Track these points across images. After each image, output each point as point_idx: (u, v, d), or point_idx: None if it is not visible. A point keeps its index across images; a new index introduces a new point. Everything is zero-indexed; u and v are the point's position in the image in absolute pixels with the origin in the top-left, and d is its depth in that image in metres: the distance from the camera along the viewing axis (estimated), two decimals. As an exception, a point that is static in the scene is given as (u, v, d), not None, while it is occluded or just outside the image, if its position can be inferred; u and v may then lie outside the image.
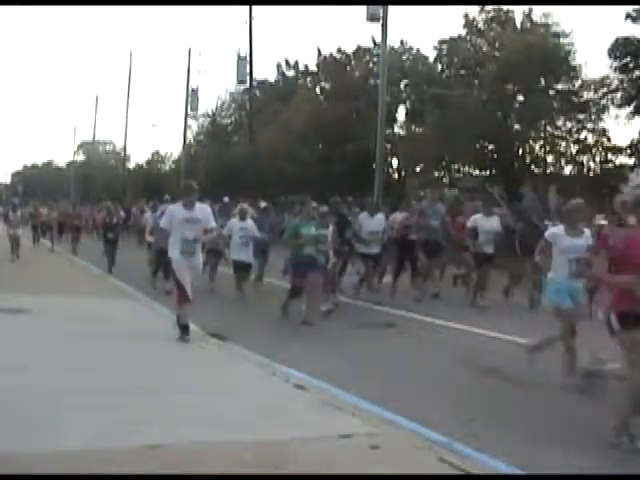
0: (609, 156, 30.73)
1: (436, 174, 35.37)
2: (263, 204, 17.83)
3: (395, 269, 15.11)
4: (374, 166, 28.26)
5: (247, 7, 35.52)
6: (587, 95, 30.59)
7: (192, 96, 45.99)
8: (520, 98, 31.72)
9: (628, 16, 25.20)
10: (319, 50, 43.16)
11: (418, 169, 36.69)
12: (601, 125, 30.68)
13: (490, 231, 13.97)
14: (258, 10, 37.08)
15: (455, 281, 16.37)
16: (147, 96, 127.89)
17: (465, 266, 15.28)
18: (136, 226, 27.90)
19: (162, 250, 13.30)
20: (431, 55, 37.06)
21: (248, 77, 36.65)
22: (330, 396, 6.61)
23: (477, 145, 32.02)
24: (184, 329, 9.30)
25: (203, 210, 9.69)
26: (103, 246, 20.02)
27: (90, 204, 43.38)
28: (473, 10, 33.74)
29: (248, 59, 35.79)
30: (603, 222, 12.74)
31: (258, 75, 43.02)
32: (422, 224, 14.77)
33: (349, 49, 42.11)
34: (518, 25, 33.20)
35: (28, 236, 27.72)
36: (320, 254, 11.75)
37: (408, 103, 38.60)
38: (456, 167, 35.28)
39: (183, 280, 9.41)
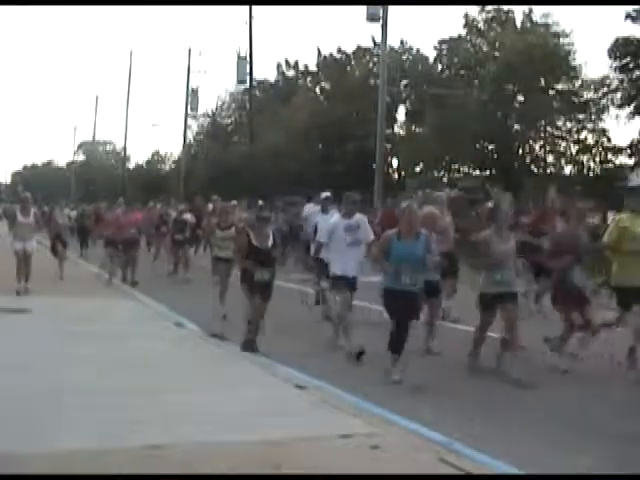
0: (609, 156, 30.74)
1: (436, 174, 35.40)
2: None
3: None
4: (374, 166, 28.27)
5: (247, 7, 35.51)
6: (587, 95, 30.62)
7: (192, 96, 45.99)
8: (520, 98, 31.75)
9: (628, 16, 25.22)
10: (319, 50, 43.23)
11: (418, 169, 36.71)
12: (601, 125, 30.73)
13: None
14: (258, 10, 37.05)
15: None
16: (147, 96, 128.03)
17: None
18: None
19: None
20: (431, 55, 37.14)
21: (248, 77, 36.62)
22: (330, 396, 6.61)
23: (477, 145, 32.04)
24: None
25: None
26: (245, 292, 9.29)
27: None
28: (473, 10, 33.80)
29: (248, 59, 35.76)
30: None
31: (258, 75, 43.07)
32: None
33: (349, 49, 42.21)
34: (518, 25, 33.21)
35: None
36: None
37: (408, 103, 38.63)
38: (456, 167, 35.29)
39: None
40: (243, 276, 9.25)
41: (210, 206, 19.63)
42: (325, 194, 12.10)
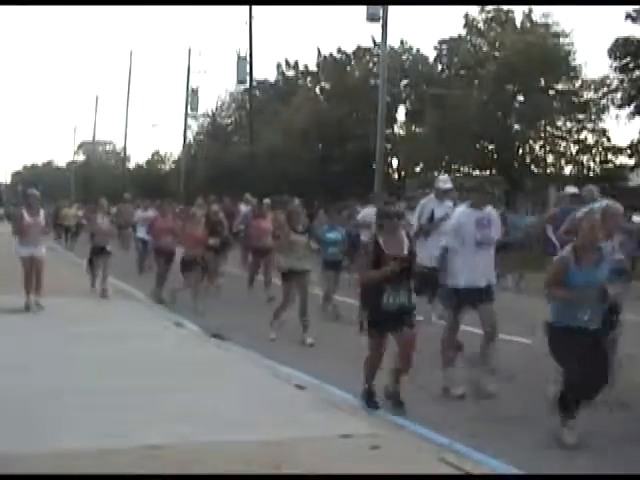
0: (609, 156, 30.77)
1: (436, 174, 35.39)
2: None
3: None
4: (374, 166, 28.26)
5: (247, 7, 35.49)
6: (587, 95, 30.65)
7: (192, 96, 45.97)
8: (520, 98, 31.76)
9: (628, 16, 25.20)
10: (319, 50, 43.17)
11: (418, 169, 36.71)
12: (601, 125, 30.75)
13: None
14: (258, 10, 37.00)
15: None
16: (147, 96, 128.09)
17: None
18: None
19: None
20: (431, 55, 37.12)
21: (248, 77, 36.60)
22: (330, 396, 6.61)
23: (477, 145, 32.05)
24: None
25: None
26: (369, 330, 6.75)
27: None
28: (473, 10, 33.78)
29: (248, 59, 35.74)
30: None
31: (258, 75, 43.00)
32: None
33: (349, 49, 42.16)
34: (518, 25, 33.21)
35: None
36: None
37: (408, 103, 38.62)
38: (456, 167, 35.29)
39: None
40: (365, 299, 6.55)
41: (242, 207, 17.95)
42: (444, 177, 9.86)
